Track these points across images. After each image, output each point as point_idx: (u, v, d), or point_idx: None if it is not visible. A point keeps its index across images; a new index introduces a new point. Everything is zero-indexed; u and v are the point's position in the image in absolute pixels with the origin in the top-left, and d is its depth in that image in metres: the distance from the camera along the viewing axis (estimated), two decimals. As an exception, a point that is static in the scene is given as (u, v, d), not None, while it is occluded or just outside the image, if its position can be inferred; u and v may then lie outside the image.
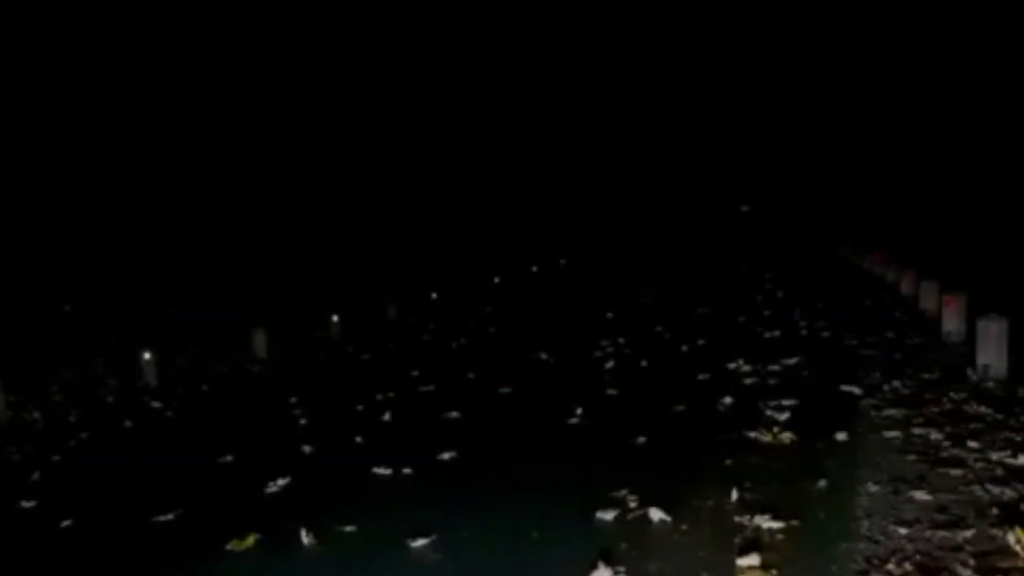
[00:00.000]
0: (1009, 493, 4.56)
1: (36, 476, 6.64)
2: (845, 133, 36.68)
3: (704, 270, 23.15)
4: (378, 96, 24.40)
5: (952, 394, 6.88)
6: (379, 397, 8.56)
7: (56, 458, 7.25)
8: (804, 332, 10.95)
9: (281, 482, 5.83)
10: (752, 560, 3.90)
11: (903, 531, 4.17)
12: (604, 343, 10.98)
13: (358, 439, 6.92)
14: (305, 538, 4.65)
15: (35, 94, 15.46)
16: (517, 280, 22.95)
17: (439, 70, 26.65)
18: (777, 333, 10.88)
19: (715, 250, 33.74)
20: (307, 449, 6.73)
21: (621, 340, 11.11)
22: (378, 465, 6.03)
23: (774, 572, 3.81)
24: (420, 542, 4.53)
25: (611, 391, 8.04)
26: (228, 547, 4.66)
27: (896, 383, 7.45)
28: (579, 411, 7.20)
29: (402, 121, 25.86)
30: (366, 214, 24.43)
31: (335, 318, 14.41)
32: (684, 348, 10.28)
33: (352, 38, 23.30)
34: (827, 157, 40.46)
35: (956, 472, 4.98)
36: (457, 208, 29.58)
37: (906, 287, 13.73)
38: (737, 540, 4.20)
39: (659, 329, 11.91)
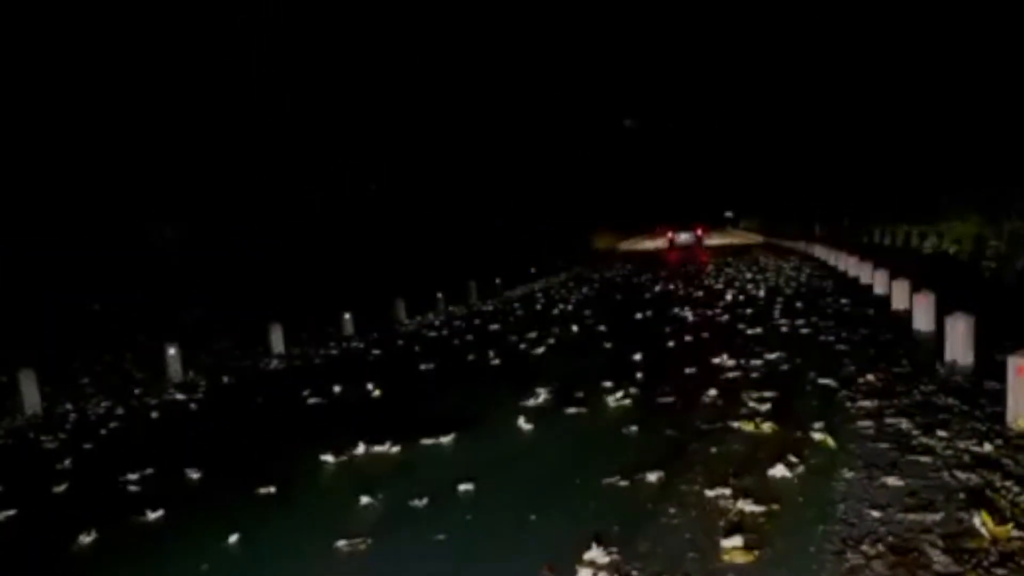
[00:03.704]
0: (975, 479, 4.55)
1: (67, 463, 6.62)
2: (816, 153, 37.21)
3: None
4: (398, 112, 24.43)
5: (922, 387, 6.87)
6: (381, 392, 8.54)
7: (87, 446, 7.24)
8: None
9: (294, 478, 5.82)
10: (736, 541, 3.90)
11: (876, 514, 4.16)
12: (602, 338, 10.97)
13: (365, 432, 6.89)
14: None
15: (76, 111, 15.49)
16: (518, 281, 22.93)
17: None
18: (759, 330, 10.86)
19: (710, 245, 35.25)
20: (318, 438, 6.71)
21: (614, 341, 11.09)
22: (382, 443, 6.02)
23: (756, 552, 3.81)
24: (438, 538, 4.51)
25: (607, 383, 8.01)
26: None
27: (870, 376, 7.43)
28: (578, 397, 7.19)
29: (417, 134, 25.95)
30: (378, 219, 24.44)
31: (347, 316, 14.40)
32: (671, 344, 10.27)
33: (373, 57, 23.32)
34: (801, 175, 40.86)
35: (926, 459, 4.98)
36: (461, 218, 29.59)
37: (879, 287, 13.74)
38: (722, 523, 4.19)
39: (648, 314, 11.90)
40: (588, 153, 46.05)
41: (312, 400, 8.41)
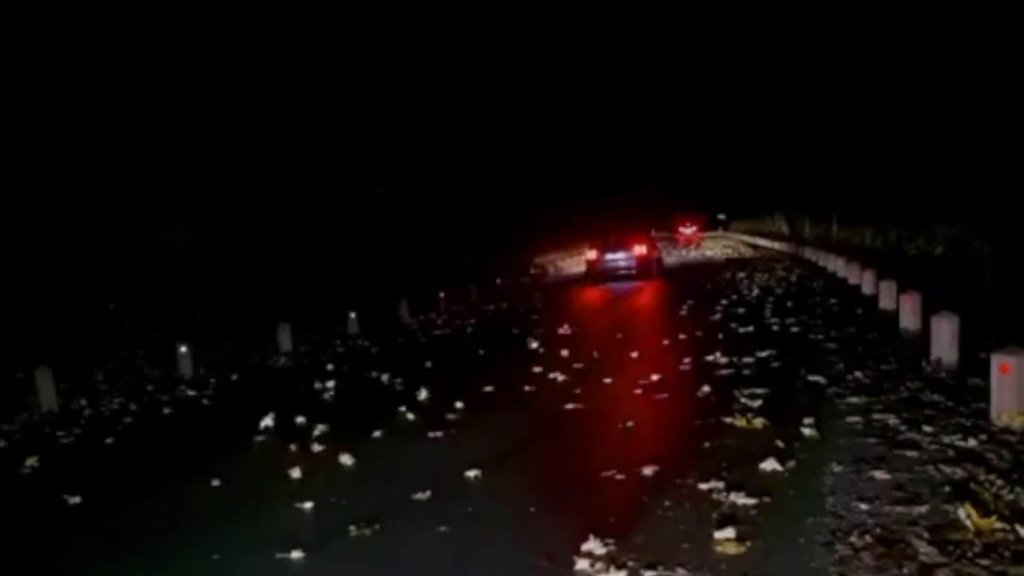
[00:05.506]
0: (960, 473, 4.55)
1: (81, 457, 6.64)
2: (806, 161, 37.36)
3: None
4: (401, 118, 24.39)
5: (908, 383, 6.87)
6: (385, 379, 8.56)
7: (104, 441, 7.25)
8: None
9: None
10: (728, 533, 3.90)
11: (864, 507, 4.17)
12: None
13: (376, 433, 6.88)
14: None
15: (89, 118, 15.53)
16: (518, 279, 22.95)
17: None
18: (751, 328, 10.90)
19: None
20: (326, 429, 6.72)
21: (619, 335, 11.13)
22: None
23: (748, 543, 3.81)
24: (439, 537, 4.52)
25: (607, 380, 8.02)
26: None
27: (858, 374, 7.44)
28: (577, 393, 7.22)
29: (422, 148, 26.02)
30: (383, 221, 24.40)
31: (352, 315, 14.42)
32: (666, 342, 10.30)
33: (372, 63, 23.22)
34: (794, 179, 40.91)
35: (912, 454, 4.98)
36: (458, 220, 29.54)
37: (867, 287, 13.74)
38: (714, 515, 4.20)
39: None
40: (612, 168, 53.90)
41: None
